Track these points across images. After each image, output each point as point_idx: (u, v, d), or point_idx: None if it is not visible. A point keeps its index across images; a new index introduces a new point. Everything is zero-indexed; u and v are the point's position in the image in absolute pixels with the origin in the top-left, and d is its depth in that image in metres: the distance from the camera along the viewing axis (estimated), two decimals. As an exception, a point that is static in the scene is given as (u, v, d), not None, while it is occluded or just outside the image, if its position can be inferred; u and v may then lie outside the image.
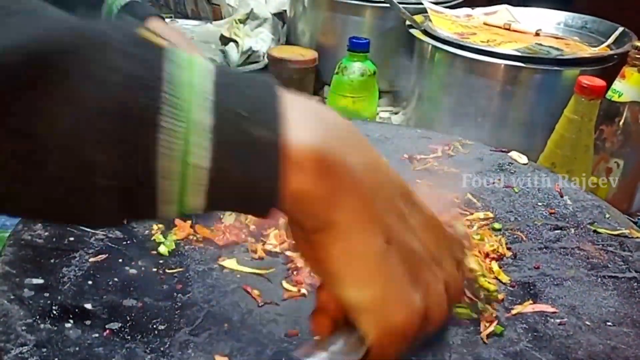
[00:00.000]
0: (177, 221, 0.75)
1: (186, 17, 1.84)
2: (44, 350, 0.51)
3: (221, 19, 1.71)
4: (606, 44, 1.25)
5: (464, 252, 0.46)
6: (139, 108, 0.31)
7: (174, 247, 0.71)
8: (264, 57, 1.48)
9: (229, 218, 0.77)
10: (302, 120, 0.35)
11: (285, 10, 1.59)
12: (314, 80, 1.43)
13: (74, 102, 0.30)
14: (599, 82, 0.93)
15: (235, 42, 1.48)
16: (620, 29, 1.26)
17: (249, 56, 1.47)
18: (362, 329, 0.39)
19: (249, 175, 0.34)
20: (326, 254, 0.36)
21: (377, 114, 1.35)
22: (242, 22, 1.53)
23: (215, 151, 0.33)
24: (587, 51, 1.23)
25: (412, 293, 0.39)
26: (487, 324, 0.63)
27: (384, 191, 0.38)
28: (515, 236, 0.79)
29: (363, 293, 0.37)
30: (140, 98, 0.31)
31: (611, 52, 1.17)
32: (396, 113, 1.46)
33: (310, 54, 1.40)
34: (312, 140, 0.35)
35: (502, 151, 0.97)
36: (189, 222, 0.75)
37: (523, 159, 0.95)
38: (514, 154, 0.96)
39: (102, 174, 0.31)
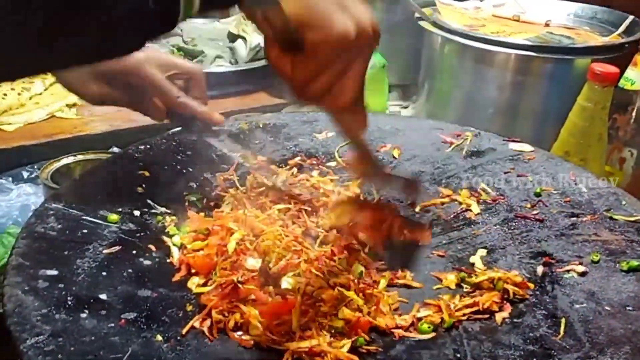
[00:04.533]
0: (190, 213, 0.75)
1: (193, 15, 1.84)
2: (60, 339, 0.51)
3: (228, 16, 1.70)
4: (617, 32, 1.23)
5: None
6: None
7: (188, 238, 0.70)
8: (271, 53, 1.47)
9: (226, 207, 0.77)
10: None
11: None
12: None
13: None
14: (612, 68, 0.92)
15: (244, 38, 1.48)
16: (631, 17, 1.25)
17: (257, 52, 1.46)
18: (304, 37, 0.51)
19: None
20: None
21: (387, 108, 1.34)
22: (250, 18, 1.53)
23: None
24: (599, 40, 1.22)
25: (340, 13, 0.51)
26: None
27: None
28: (531, 224, 0.78)
29: (297, 5, 0.50)
30: None
31: (623, 41, 1.16)
32: (406, 107, 1.45)
33: (319, 49, 1.39)
34: None
35: (515, 141, 0.96)
36: (202, 214, 0.75)
37: (525, 148, 0.93)
38: (525, 147, 0.94)
39: None
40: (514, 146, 0.93)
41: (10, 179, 1.01)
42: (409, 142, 0.96)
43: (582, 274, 0.68)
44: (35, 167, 1.02)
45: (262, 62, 1.44)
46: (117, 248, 0.66)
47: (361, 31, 0.52)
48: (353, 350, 0.57)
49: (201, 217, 0.74)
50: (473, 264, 0.72)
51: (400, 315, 0.63)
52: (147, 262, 0.66)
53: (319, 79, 0.53)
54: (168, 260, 0.67)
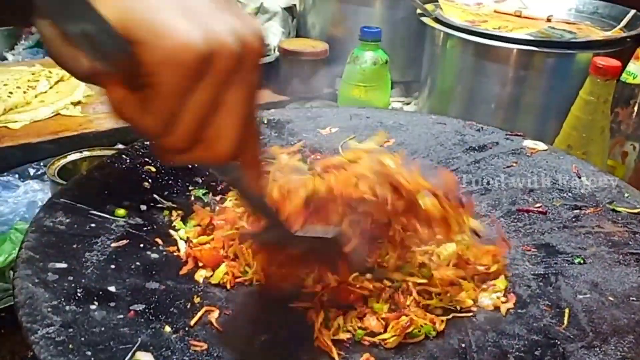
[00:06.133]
0: (196, 207, 0.75)
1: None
2: (70, 330, 0.51)
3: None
4: (618, 27, 1.24)
5: (256, 26, 0.43)
6: None
7: (193, 232, 0.71)
8: (275, 50, 1.48)
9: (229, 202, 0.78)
10: None
11: (294, 5, 1.60)
12: (325, 72, 1.43)
13: None
14: (614, 62, 0.93)
15: (246, 36, 1.48)
16: (632, 12, 1.25)
17: (260, 50, 1.46)
18: (137, 52, 0.37)
19: None
20: None
21: (389, 104, 1.34)
22: (253, 16, 1.54)
23: None
24: (600, 34, 1.22)
25: (187, 23, 0.38)
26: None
27: None
28: (534, 217, 0.78)
29: (122, 8, 0.37)
30: None
31: (625, 35, 1.16)
32: (408, 104, 1.46)
33: (322, 46, 1.40)
34: None
35: (518, 135, 0.97)
36: (208, 208, 0.76)
37: (541, 146, 0.93)
38: (529, 144, 0.94)
39: None
40: (527, 143, 0.93)
41: (17, 176, 1.02)
42: (411, 136, 0.96)
43: (586, 266, 0.69)
44: (42, 164, 1.03)
45: (264, 59, 1.45)
46: (124, 242, 0.66)
47: (221, 46, 0.39)
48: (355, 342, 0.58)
49: (207, 211, 0.75)
50: None
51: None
52: (154, 255, 0.66)
53: (177, 123, 0.39)
54: (175, 254, 0.68)
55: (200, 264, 0.66)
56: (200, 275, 0.65)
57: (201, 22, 0.38)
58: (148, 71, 0.37)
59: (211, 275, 0.65)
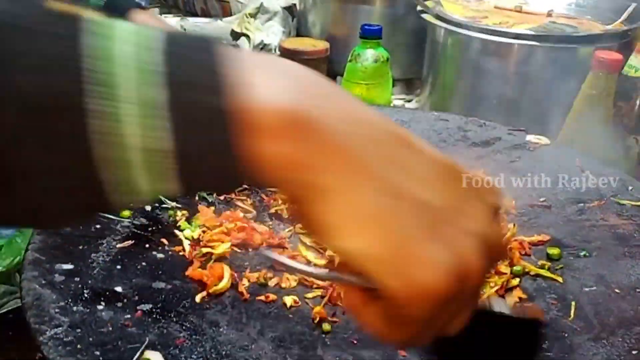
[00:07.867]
0: (200, 207, 0.75)
1: (195, 15, 1.84)
2: (78, 330, 0.52)
3: (230, 15, 1.71)
4: (619, 20, 1.24)
5: (498, 198, 0.36)
6: (56, 93, 0.26)
7: (198, 232, 0.71)
8: (275, 50, 1.48)
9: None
10: (266, 79, 0.29)
11: (294, 4, 1.60)
12: (326, 71, 1.43)
13: None
14: (616, 55, 0.93)
15: (247, 36, 1.48)
16: (633, 5, 1.25)
17: (261, 50, 1.47)
18: (381, 281, 0.32)
19: (212, 148, 0.28)
20: (322, 215, 0.31)
21: (391, 102, 1.34)
22: (253, 16, 1.54)
23: (175, 130, 0.27)
24: (601, 28, 1.22)
25: (435, 250, 0.31)
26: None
27: (374, 143, 0.32)
28: (539, 211, 0.78)
29: (370, 241, 0.31)
30: (55, 81, 0.26)
31: (626, 28, 1.16)
32: (409, 101, 1.45)
33: (322, 44, 1.40)
34: (279, 99, 0.29)
35: (520, 130, 0.97)
36: (212, 207, 0.76)
37: (544, 141, 0.93)
38: (532, 138, 0.94)
39: (34, 176, 0.27)
40: (531, 138, 0.93)
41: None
42: (414, 133, 0.96)
43: (591, 259, 0.69)
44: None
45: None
46: (130, 242, 0.66)
47: (468, 267, 0.32)
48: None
49: (211, 211, 0.75)
50: None
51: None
52: (160, 255, 0.66)
53: (420, 337, 0.35)
54: (181, 253, 0.68)
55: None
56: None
57: (447, 242, 0.32)
58: (392, 300, 0.32)
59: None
